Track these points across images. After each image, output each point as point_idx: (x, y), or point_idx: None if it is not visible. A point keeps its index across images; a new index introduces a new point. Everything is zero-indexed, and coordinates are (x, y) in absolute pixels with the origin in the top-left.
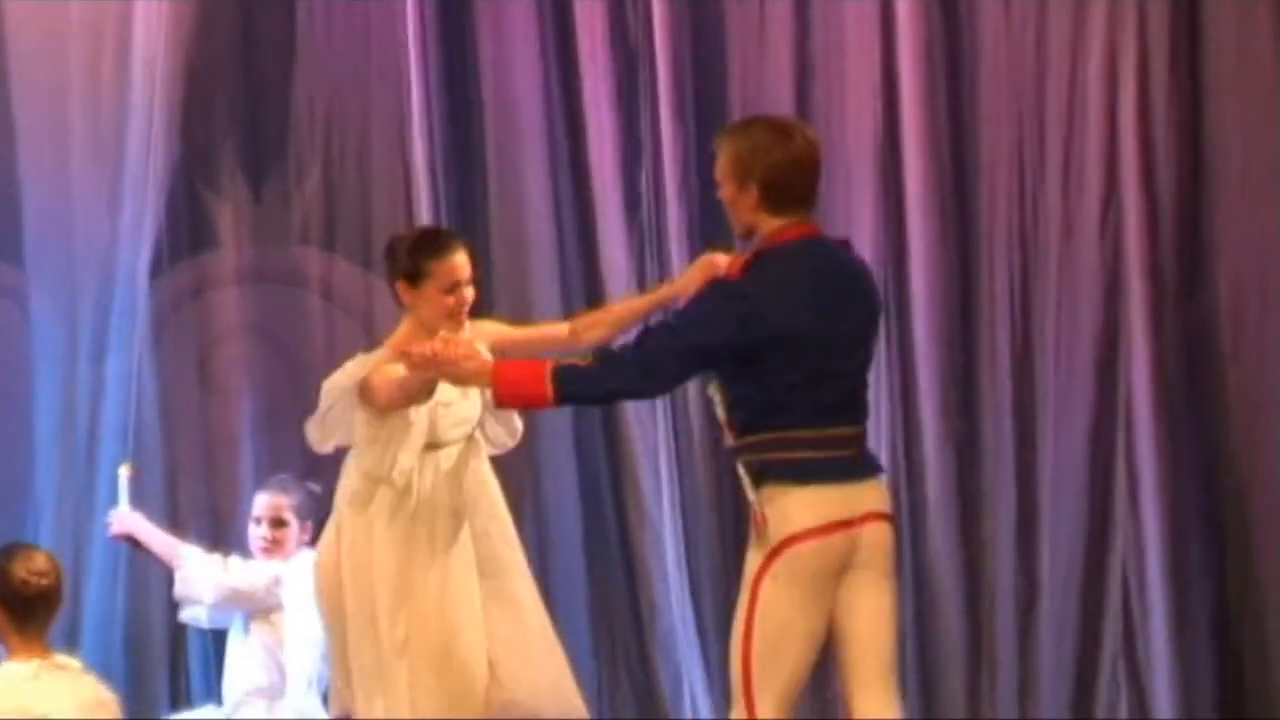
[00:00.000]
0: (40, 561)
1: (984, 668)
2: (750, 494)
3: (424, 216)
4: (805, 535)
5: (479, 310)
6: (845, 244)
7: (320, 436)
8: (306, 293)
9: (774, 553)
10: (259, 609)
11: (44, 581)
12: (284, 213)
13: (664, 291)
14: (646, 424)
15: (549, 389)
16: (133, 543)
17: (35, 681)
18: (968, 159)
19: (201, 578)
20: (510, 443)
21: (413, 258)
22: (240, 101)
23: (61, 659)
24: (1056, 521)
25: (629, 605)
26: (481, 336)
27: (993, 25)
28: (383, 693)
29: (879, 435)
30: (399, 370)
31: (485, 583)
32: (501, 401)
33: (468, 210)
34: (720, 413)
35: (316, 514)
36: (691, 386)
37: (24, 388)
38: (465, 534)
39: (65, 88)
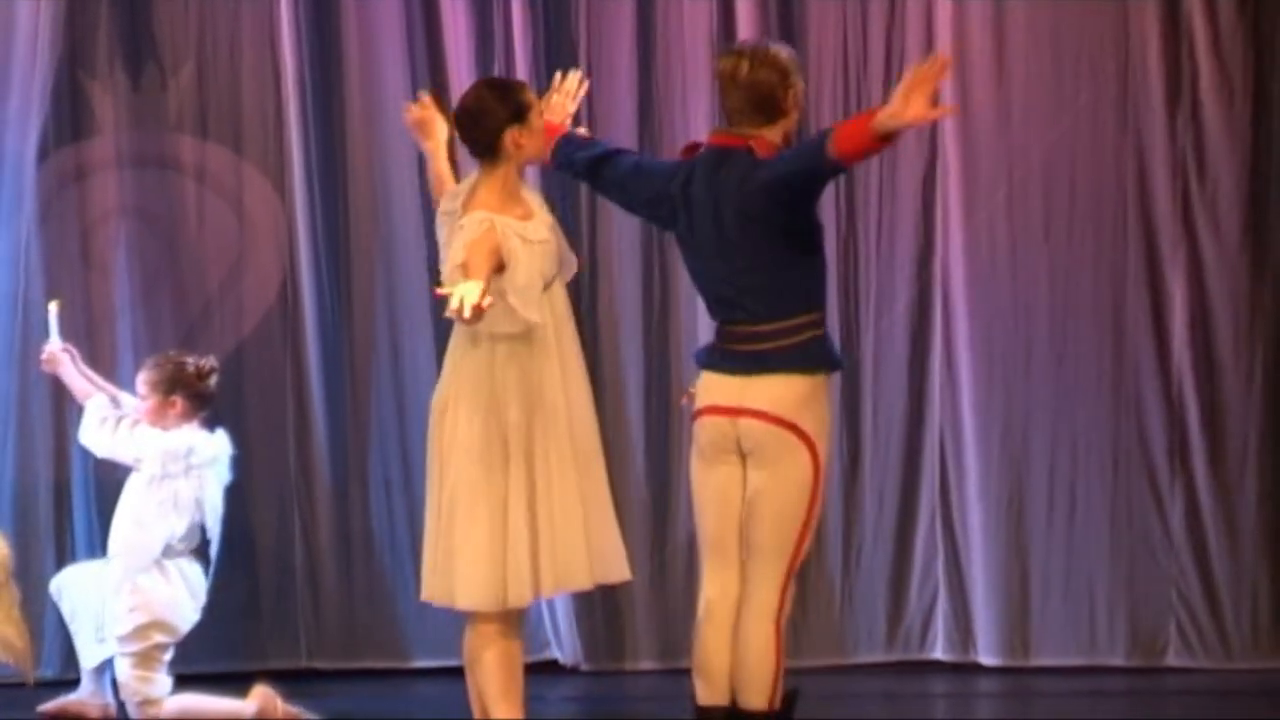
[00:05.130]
0: None
1: None
2: None
3: (291, 101)
4: (698, 412)
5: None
6: (737, 148)
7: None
8: (181, 177)
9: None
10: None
11: None
12: (160, 101)
13: None
14: None
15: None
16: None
17: None
18: None
19: (93, 438)
20: (571, 272)
21: (511, 99)
22: None
23: None
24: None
25: None
26: None
27: None
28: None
29: None
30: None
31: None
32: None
33: (330, 88)
34: None
35: (185, 386)
36: None
37: None
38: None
39: None
